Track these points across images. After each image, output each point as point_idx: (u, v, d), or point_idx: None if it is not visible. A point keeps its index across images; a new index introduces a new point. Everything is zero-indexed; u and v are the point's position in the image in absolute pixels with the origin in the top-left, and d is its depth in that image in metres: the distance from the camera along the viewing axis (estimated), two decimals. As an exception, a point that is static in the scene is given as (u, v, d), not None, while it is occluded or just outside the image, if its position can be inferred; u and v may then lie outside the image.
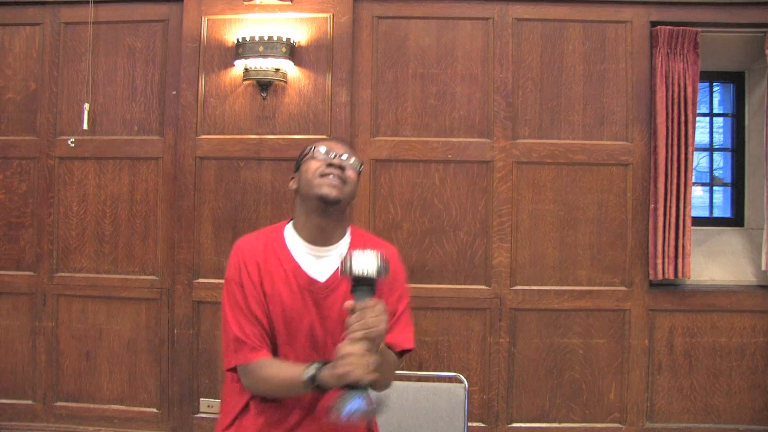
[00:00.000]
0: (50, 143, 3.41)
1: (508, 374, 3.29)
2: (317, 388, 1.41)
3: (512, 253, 3.28)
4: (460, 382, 2.39)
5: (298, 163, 1.65)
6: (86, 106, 3.37)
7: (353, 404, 1.30)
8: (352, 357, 1.32)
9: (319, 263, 1.58)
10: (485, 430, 3.28)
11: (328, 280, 1.57)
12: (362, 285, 1.34)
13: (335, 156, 1.58)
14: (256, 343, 1.52)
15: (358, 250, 1.35)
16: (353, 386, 1.32)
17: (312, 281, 1.57)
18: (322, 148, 1.59)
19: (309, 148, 1.64)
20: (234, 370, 1.58)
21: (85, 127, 3.36)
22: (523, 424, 3.29)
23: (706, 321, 3.30)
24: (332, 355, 1.43)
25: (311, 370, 1.42)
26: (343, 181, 1.56)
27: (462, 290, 3.29)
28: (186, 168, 3.30)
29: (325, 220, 1.57)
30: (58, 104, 3.41)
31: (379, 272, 1.34)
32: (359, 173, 1.64)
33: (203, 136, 3.30)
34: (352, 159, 1.61)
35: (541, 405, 3.29)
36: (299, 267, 1.57)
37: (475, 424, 3.26)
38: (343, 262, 1.35)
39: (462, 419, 2.21)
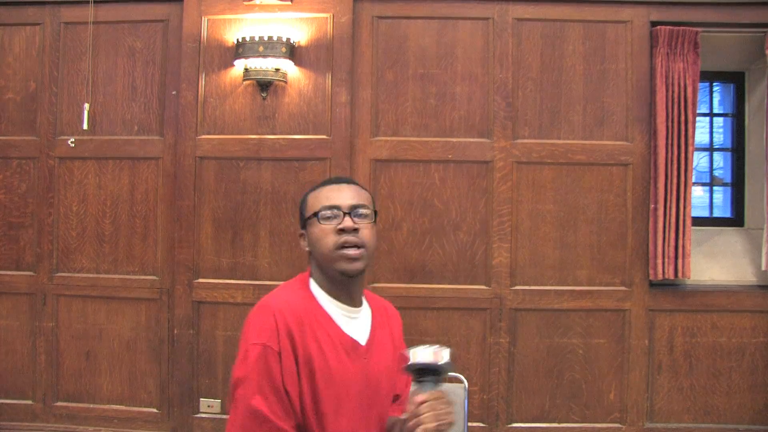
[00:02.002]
0: (50, 143, 3.41)
1: (508, 374, 3.28)
2: None
3: (512, 253, 3.28)
4: (460, 382, 2.40)
5: (302, 218, 1.49)
6: (86, 106, 3.37)
7: None
8: None
9: (353, 324, 1.46)
10: (485, 430, 3.27)
11: (368, 343, 1.46)
12: (428, 376, 1.31)
13: (344, 215, 1.41)
14: (284, 426, 1.33)
15: (424, 346, 1.30)
16: None
17: (356, 344, 1.44)
18: (327, 210, 1.41)
19: (310, 202, 1.46)
20: None
21: (85, 127, 3.36)
22: (523, 424, 3.29)
23: (706, 321, 3.30)
24: (376, 426, 1.42)
25: None
26: (362, 245, 1.41)
27: (462, 290, 3.28)
28: (186, 168, 3.30)
29: (352, 286, 1.46)
30: (58, 104, 3.41)
31: (449, 366, 1.31)
32: (375, 218, 1.47)
33: (203, 136, 3.30)
34: (362, 209, 1.44)
35: (541, 405, 3.29)
36: (341, 330, 1.43)
37: (475, 424, 3.26)
38: (412, 354, 1.30)
39: (462, 419, 2.21)
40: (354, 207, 1.43)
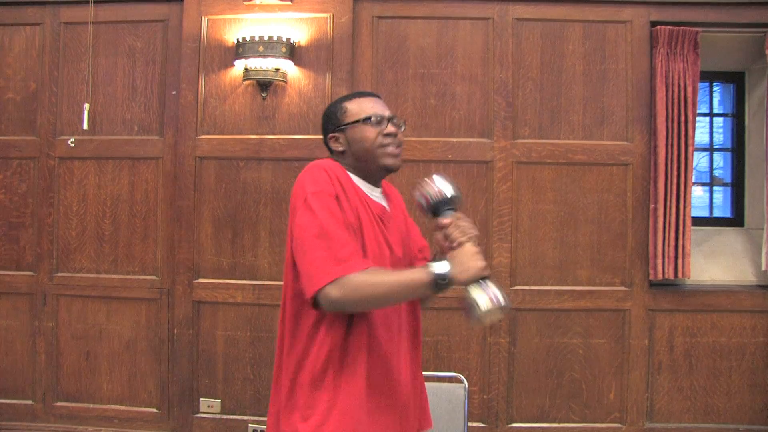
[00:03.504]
0: (50, 143, 3.41)
1: (508, 374, 3.28)
2: (439, 286, 1.45)
3: (512, 253, 3.28)
4: (460, 382, 2.40)
5: (339, 123, 1.65)
6: (86, 106, 3.37)
7: (496, 294, 1.42)
8: (480, 255, 1.47)
9: (377, 199, 1.66)
10: (485, 430, 3.28)
11: (390, 211, 1.68)
12: (446, 205, 1.54)
13: (388, 122, 1.64)
14: (362, 252, 1.50)
15: (431, 180, 1.56)
16: (478, 281, 1.44)
17: (384, 209, 1.65)
18: (377, 117, 1.63)
19: (353, 109, 1.65)
20: (312, 302, 1.47)
21: (85, 127, 3.36)
22: (523, 424, 3.29)
23: (706, 321, 3.30)
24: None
25: (442, 266, 1.44)
26: (400, 145, 1.66)
27: (462, 290, 3.28)
28: (186, 168, 3.30)
29: (380, 179, 1.69)
30: (58, 104, 3.41)
31: (459, 193, 1.57)
32: (404, 128, 1.72)
33: (203, 136, 3.30)
34: (397, 120, 1.68)
35: (541, 405, 3.29)
36: (368, 196, 1.63)
37: (475, 424, 3.26)
38: (427, 191, 1.56)
39: (462, 419, 2.21)
40: (392, 117, 1.66)
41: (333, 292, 1.41)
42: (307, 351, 1.51)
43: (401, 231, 1.71)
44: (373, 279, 1.43)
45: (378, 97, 1.71)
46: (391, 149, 1.64)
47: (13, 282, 3.42)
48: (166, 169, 3.36)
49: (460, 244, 1.49)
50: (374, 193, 1.67)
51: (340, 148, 1.65)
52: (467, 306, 1.45)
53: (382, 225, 1.62)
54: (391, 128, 1.64)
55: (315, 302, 1.45)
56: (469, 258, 1.46)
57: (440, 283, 1.45)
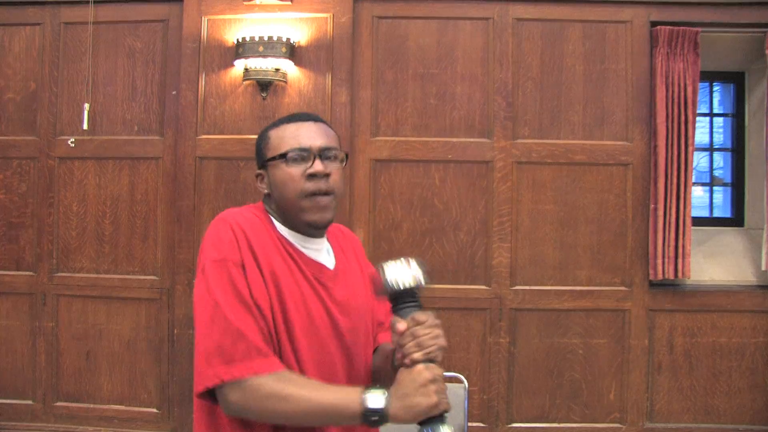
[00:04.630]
0: (50, 143, 3.41)
1: (508, 374, 3.28)
2: (376, 422, 1.12)
3: (512, 253, 3.28)
4: (460, 382, 2.39)
5: (262, 157, 1.31)
6: (86, 106, 3.37)
7: None
8: (436, 383, 1.12)
9: (314, 253, 1.31)
10: (485, 430, 3.27)
11: (335, 268, 1.33)
12: (405, 299, 1.18)
13: (315, 158, 1.25)
14: (265, 348, 1.16)
15: (390, 262, 1.17)
16: (432, 420, 1.12)
17: (322, 267, 1.30)
18: (296, 152, 1.25)
19: (273, 141, 1.29)
20: (204, 395, 1.17)
21: (85, 127, 3.36)
22: (523, 424, 3.29)
23: (706, 321, 3.30)
24: (361, 363, 1.31)
25: (378, 398, 1.11)
26: (332, 192, 1.27)
27: (462, 290, 3.28)
28: (186, 168, 3.30)
29: (316, 232, 1.32)
30: (58, 104, 3.41)
31: (425, 281, 1.18)
32: (346, 161, 1.32)
33: (203, 136, 3.30)
34: (333, 151, 1.28)
35: (541, 405, 3.29)
36: (304, 254, 1.28)
37: (475, 424, 3.26)
38: (379, 279, 1.17)
39: (462, 419, 2.21)
40: (324, 149, 1.27)
41: (232, 395, 1.13)
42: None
43: (356, 292, 1.34)
44: (285, 391, 1.13)
45: (312, 120, 1.31)
46: (316, 200, 1.24)
47: (13, 282, 3.42)
48: (166, 169, 3.36)
49: (413, 363, 1.13)
50: (311, 247, 1.30)
51: (265, 190, 1.31)
52: None
53: (320, 288, 1.27)
54: (317, 166, 1.24)
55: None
56: (415, 389, 1.11)
57: (372, 419, 1.12)
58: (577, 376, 3.28)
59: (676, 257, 3.25)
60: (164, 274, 3.36)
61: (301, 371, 1.21)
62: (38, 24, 3.42)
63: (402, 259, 1.18)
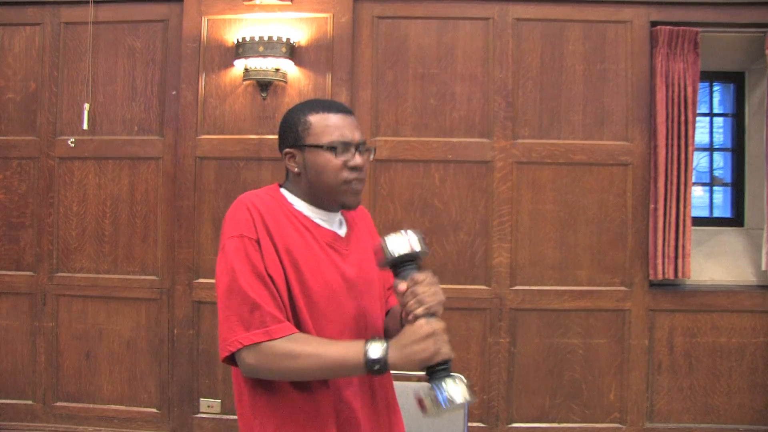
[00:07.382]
0: (50, 143, 3.41)
1: (508, 374, 3.28)
2: (378, 370, 1.24)
3: (512, 253, 3.28)
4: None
5: (298, 141, 1.41)
6: (86, 106, 3.37)
7: (454, 390, 1.21)
8: (435, 334, 1.23)
9: (327, 225, 1.45)
10: (485, 430, 3.27)
11: (347, 236, 1.46)
12: (406, 264, 1.30)
13: (355, 151, 1.40)
14: (279, 315, 1.29)
15: (393, 234, 1.31)
16: (436, 368, 1.23)
17: (335, 236, 1.43)
18: (341, 143, 1.38)
19: (317, 128, 1.40)
20: (229, 359, 1.32)
21: (85, 127, 3.36)
22: (523, 424, 3.29)
23: (706, 321, 3.30)
24: (375, 320, 1.43)
25: (377, 348, 1.24)
26: (364, 180, 1.44)
27: (462, 290, 3.28)
28: (186, 168, 3.30)
29: (338, 208, 1.47)
30: (58, 104, 3.41)
31: (423, 249, 1.31)
32: (373, 156, 1.50)
33: (203, 136, 3.30)
34: (366, 145, 1.46)
35: (541, 405, 3.29)
36: (318, 224, 1.42)
37: (475, 424, 3.26)
38: (383, 248, 1.30)
39: (462, 419, 2.21)
40: (362, 143, 1.43)
41: (249, 358, 1.28)
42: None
43: (367, 256, 1.47)
44: (297, 350, 1.26)
45: (348, 113, 1.44)
46: (354, 186, 1.40)
47: (13, 282, 3.42)
48: (166, 169, 3.36)
49: (415, 319, 1.26)
50: (326, 219, 1.44)
51: (296, 170, 1.42)
52: (416, 398, 1.24)
53: (333, 253, 1.40)
54: (358, 159, 1.40)
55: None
56: (415, 341, 1.23)
57: (375, 368, 1.24)
58: (577, 376, 3.28)
59: (676, 257, 3.25)
60: (164, 274, 3.35)
61: (320, 333, 1.34)
62: (38, 24, 3.42)
63: (401, 231, 1.32)
